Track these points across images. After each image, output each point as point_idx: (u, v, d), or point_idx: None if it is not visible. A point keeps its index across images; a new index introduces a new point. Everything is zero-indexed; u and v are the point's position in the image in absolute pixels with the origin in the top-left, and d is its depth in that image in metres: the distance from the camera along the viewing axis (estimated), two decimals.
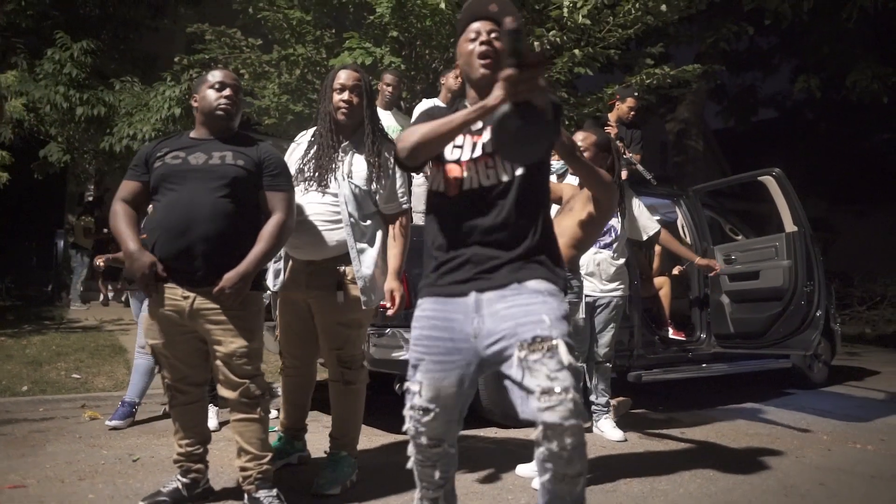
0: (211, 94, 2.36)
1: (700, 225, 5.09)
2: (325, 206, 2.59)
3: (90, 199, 11.75)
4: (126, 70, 8.82)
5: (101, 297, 10.45)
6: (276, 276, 2.69)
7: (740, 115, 16.10)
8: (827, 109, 16.89)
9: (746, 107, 16.39)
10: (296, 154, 2.77)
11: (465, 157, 1.75)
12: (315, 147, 2.66)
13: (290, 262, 2.68)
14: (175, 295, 2.25)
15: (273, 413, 3.30)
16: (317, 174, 2.59)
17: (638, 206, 4.02)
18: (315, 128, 2.76)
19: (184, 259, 2.22)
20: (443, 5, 5.74)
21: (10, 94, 5.83)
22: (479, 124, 1.72)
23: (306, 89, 7.28)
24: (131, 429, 3.59)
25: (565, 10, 5.97)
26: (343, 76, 2.60)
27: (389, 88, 4.76)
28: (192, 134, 2.42)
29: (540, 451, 1.47)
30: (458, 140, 1.76)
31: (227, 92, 2.36)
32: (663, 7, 6.06)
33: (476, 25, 1.74)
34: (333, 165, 2.59)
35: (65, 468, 2.79)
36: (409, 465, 1.74)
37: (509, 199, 1.69)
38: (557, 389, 1.44)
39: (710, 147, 17.09)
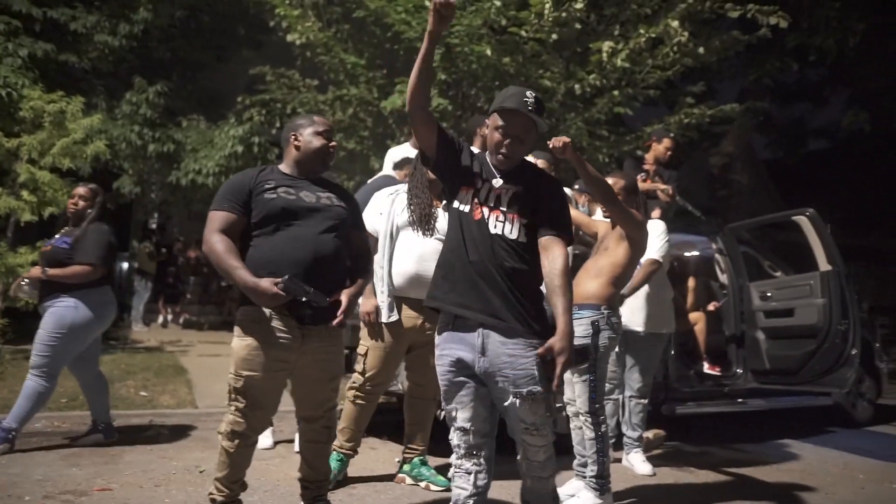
0: (317, 141, 2.45)
1: (736, 261, 5.20)
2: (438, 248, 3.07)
3: (153, 226, 12.51)
4: (192, 109, 9.51)
5: (161, 318, 11.08)
6: (391, 309, 3.09)
7: (789, 146, 15.95)
8: (882, 140, 16.54)
9: (796, 138, 16.22)
10: (398, 204, 3.19)
11: None
12: (415, 198, 3.11)
13: (402, 300, 3.10)
14: (290, 326, 2.29)
15: None
16: (424, 221, 3.06)
17: None
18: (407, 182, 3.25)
19: None
20: (489, 51, 6.09)
21: (93, 134, 6.45)
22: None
23: (358, 127, 7.74)
24: (195, 443, 3.94)
25: (605, 54, 6.24)
26: None
27: None
28: (285, 170, 2.47)
29: (522, 463, 2.12)
30: None
31: (333, 143, 2.50)
32: (701, 50, 6.26)
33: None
34: (434, 212, 3.10)
35: (142, 476, 3.14)
36: (450, 474, 2.10)
37: None
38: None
39: (760, 178, 16.94)
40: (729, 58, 8.24)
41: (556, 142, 2.53)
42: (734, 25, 6.97)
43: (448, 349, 2.06)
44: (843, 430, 5.50)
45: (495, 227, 2.03)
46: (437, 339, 2.13)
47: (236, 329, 2.34)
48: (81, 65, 8.96)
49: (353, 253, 2.50)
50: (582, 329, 3.00)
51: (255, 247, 2.33)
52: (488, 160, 2.17)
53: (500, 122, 2.08)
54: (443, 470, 3.32)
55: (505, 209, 2.05)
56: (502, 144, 2.08)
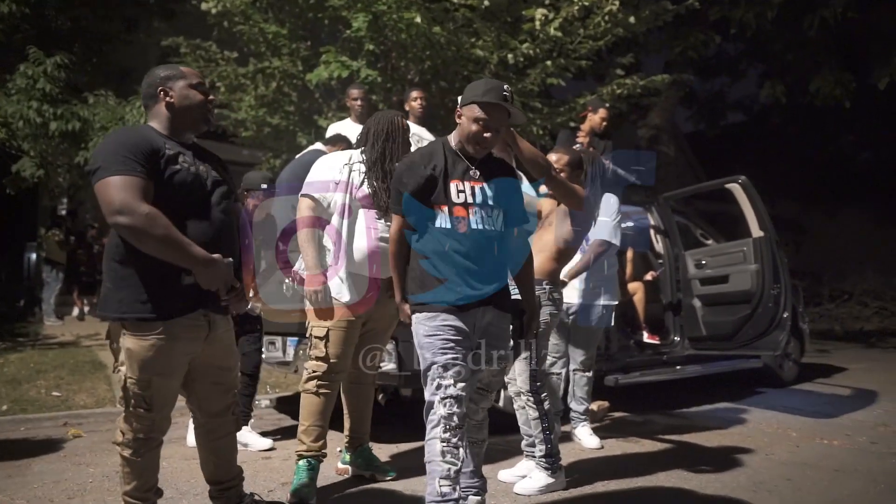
0: (197, 96, 2.14)
1: (671, 231, 5.25)
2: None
3: (63, 212, 11.61)
4: (99, 83, 8.75)
5: (76, 311, 10.35)
6: (350, 287, 2.80)
7: (710, 119, 16.49)
8: (794, 113, 17.37)
9: (715, 111, 16.78)
10: (355, 177, 2.86)
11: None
12: (376, 179, 2.83)
13: (358, 277, 2.83)
14: (198, 318, 2.08)
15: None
16: (385, 203, 2.78)
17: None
18: (359, 153, 2.93)
19: None
20: (418, 19, 5.84)
21: None
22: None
23: (283, 101, 7.34)
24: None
25: (538, 23, 6.12)
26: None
27: (357, 102, 4.80)
28: (164, 132, 2.12)
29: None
30: None
31: (211, 97, 2.20)
32: (632, 19, 6.24)
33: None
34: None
35: (53, 487, 2.82)
36: (432, 457, 2.09)
37: None
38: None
39: (682, 151, 17.44)
40: (655, 30, 8.33)
41: None
42: None
43: (450, 319, 2.17)
44: (773, 390, 5.72)
45: (489, 224, 2.24)
46: (425, 314, 2.19)
47: (129, 327, 2.00)
48: None
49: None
50: None
51: None
52: (455, 149, 2.27)
53: (482, 115, 2.19)
54: (405, 458, 3.18)
55: (492, 205, 2.25)
56: (481, 136, 2.21)
